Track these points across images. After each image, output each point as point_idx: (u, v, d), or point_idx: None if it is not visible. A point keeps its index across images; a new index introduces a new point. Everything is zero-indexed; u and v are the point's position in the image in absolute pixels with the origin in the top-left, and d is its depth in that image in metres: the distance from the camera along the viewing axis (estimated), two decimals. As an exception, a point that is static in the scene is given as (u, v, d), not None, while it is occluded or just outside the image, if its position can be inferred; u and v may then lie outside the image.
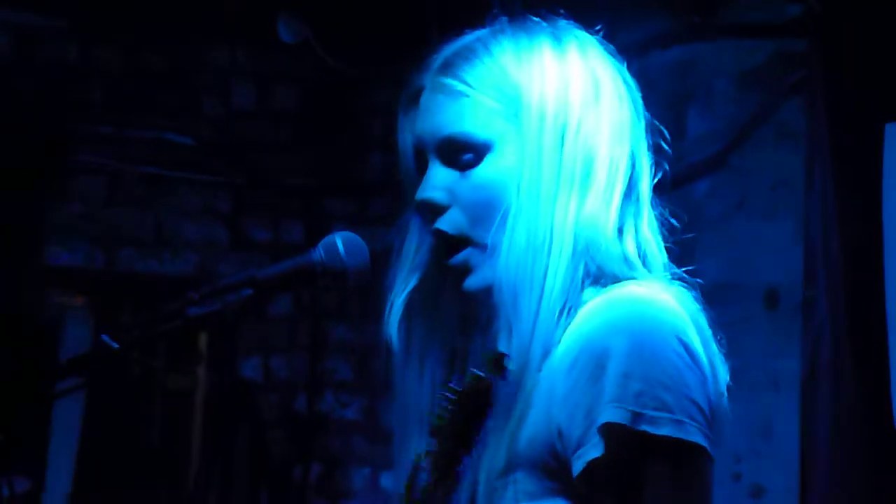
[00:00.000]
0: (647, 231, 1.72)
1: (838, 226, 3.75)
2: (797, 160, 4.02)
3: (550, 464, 1.57)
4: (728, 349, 1.68)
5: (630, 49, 1.80)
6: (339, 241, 1.72)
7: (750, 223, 4.16)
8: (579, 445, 1.54)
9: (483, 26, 1.76)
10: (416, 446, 1.70)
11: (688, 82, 4.33)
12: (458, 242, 1.69)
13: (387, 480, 5.15)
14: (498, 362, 1.56)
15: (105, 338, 1.63)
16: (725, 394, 1.65)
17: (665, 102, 4.08)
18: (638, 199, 1.72)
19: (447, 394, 1.54)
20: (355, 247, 1.73)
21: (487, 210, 1.67)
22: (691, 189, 4.16)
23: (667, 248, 1.75)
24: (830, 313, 3.80)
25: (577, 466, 1.54)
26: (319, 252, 1.72)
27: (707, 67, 4.33)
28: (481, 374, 1.55)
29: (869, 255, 3.66)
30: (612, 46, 1.77)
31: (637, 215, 1.71)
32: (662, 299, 1.60)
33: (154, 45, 5.02)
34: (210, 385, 5.18)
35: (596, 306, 1.61)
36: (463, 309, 1.75)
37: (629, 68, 1.78)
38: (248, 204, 5.19)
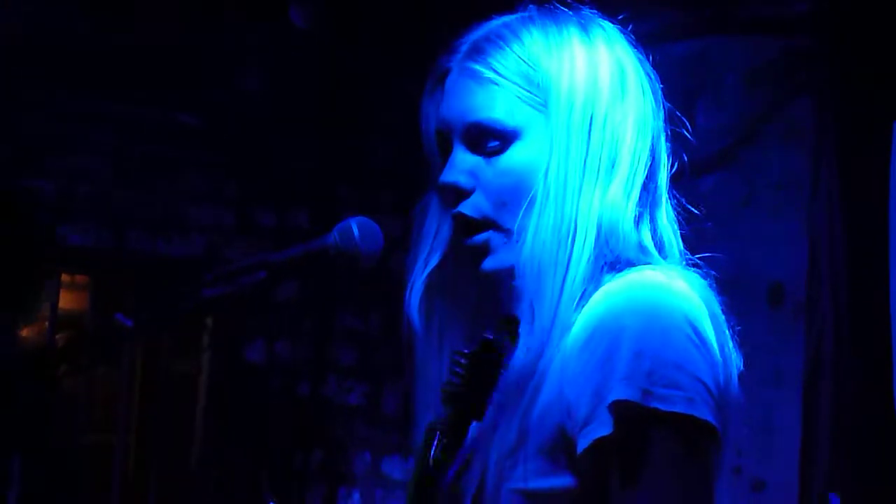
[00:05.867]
0: (665, 220, 1.74)
1: (843, 224, 3.77)
2: (804, 158, 4.02)
3: (560, 442, 1.58)
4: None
5: (640, 41, 1.82)
6: (355, 225, 1.74)
7: (756, 220, 4.16)
8: (586, 423, 1.55)
9: (510, 12, 1.77)
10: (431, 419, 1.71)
11: (697, 76, 4.33)
12: (479, 225, 1.70)
13: (388, 465, 5.17)
14: (512, 327, 1.55)
15: (119, 316, 1.63)
16: (736, 381, 1.66)
17: (674, 96, 4.07)
18: (656, 189, 1.74)
19: (458, 358, 1.53)
20: (370, 231, 1.74)
21: (512, 196, 1.68)
22: (697, 184, 4.17)
23: (682, 236, 1.76)
24: (833, 310, 3.81)
25: (583, 443, 1.55)
26: (335, 236, 1.73)
27: (717, 62, 4.33)
28: (491, 337, 1.55)
29: (872, 254, 3.67)
30: (633, 37, 1.78)
31: (655, 205, 1.73)
32: (675, 283, 1.62)
33: (163, 27, 5.01)
34: (213, 369, 5.19)
35: (610, 288, 1.62)
36: (481, 289, 1.76)
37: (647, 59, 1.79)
38: (254, 188, 5.19)
